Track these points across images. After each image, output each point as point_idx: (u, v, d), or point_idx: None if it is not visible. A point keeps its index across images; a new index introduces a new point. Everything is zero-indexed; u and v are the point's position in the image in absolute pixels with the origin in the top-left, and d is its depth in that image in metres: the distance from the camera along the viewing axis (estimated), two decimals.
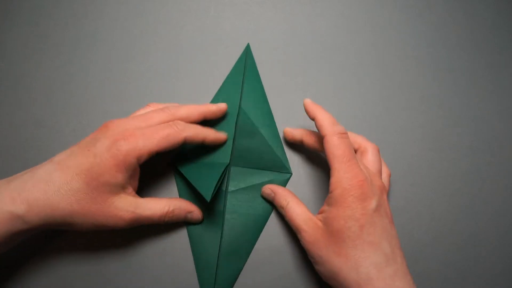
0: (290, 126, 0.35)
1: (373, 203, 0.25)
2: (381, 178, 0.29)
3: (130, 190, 0.28)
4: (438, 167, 0.35)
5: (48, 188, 0.25)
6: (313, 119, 0.29)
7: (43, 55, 0.38)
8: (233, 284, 0.31)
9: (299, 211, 0.29)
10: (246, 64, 0.37)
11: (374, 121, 0.36)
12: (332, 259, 0.25)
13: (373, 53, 0.39)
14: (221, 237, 0.31)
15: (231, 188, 0.33)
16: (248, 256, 0.31)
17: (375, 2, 0.41)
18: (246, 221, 0.32)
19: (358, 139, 0.31)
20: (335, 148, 0.26)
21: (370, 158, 0.30)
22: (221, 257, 0.31)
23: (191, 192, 0.32)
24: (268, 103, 0.36)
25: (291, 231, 0.32)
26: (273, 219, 0.33)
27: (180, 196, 0.33)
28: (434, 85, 0.38)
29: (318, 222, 0.27)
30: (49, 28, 0.39)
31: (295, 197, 0.30)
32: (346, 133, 0.27)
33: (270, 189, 0.32)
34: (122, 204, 0.27)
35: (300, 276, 0.31)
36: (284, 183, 0.33)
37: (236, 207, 0.32)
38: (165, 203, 0.29)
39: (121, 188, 0.27)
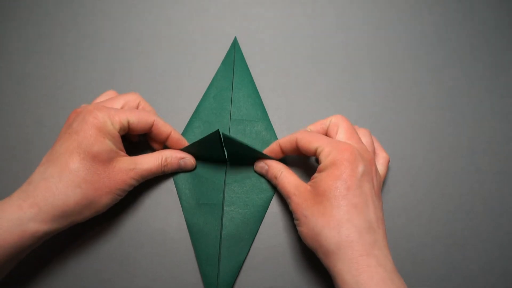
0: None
1: (360, 167, 0.26)
2: (372, 154, 0.29)
3: (123, 153, 0.30)
4: (438, 167, 0.35)
5: (50, 184, 0.26)
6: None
7: (43, 55, 0.38)
8: (236, 276, 0.31)
9: (291, 179, 0.29)
10: (234, 58, 0.37)
11: (374, 121, 0.36)
12: (316, 217, 0.25)
13: (373, 53, 0.39)
14: (221, 230, 0.31)
15: (228, 180, 0.33)
16: (249, 248, 0.32)
17: (375, 1, 0.41)
18: (244, 212, 0.32)
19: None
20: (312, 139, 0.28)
21: (362, 139, 0.30)
22: (223, 249, 0.31)
23: (191, 191, 0.33)
24: (259, 95, 0.36)
25: (291, 231, 0.32)
26: (272, 219, 0.33)
27: (180, 194, 0.33)
28: (434, 85, 0.38)
29: (308, 187, 0.28)
30: (49, 28, 0.39)
31: (287, 168, 0.31)
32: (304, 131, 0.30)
33: (263, 162, 0.32)
34: (122, 165, 0.29)
35: (300, 276, 0.31)
36: None
37: (234, 199, 0.33)
38: (158, 154, 0.31)
39: (114, 152, 0.28)
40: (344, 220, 0.24)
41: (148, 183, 0.33)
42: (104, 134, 0.27)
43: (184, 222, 0.32)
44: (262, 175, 0.33)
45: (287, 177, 0.30)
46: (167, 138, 0.32)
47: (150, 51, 0.38)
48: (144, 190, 0.33)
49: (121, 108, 0.30)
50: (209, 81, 0.37)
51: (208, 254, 0.31)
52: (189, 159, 0.33)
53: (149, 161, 0.30)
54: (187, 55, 0.38)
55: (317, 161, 0.29)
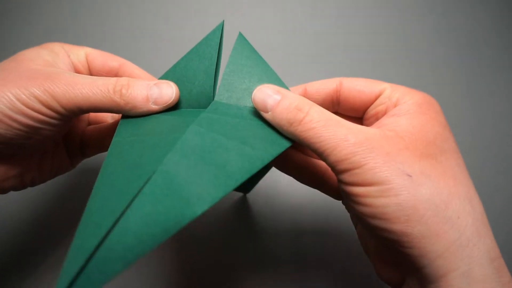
0: None
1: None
2: None
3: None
4: None
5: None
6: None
7: None
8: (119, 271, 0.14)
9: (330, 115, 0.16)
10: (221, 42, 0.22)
11: None
12: (432, 178, 0.15)
13: (373, 52, 0.39)
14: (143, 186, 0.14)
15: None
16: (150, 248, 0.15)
17: (375, 1, 0.41)
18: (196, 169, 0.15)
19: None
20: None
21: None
22: (123, 222, 0.14)
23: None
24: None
25: (291, 231, 0.32)
26: (273, 219, 0.33)
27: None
28: (434, 85, 0.38)
29: (381, 132, 0.16)
30: (49, 28, 0.39)
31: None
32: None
33: (272, 89, 0.18)
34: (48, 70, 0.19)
35: (300, 275, 0.31)
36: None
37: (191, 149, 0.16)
38: (110, 78, 0.19)
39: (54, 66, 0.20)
40: (471, 188, 0.16)
41: None
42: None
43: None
44: (264, 117, 0.18)
45: (318, 116, 0.16)
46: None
47: (150, 51, 0.38)
48: None
49: None
50: None
51: (101, 216, 0.14)
52: (166, 87, 0.19)
53: (94, 85, 0.18)
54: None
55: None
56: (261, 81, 0.20)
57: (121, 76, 0.21)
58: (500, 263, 0.15)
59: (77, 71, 0.21)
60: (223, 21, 0.21)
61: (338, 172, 0.16)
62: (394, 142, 0.15)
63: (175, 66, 0.21)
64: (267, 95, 0.18)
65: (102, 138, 0.23)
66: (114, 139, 0.17)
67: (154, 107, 0.19)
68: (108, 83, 0.18)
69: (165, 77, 0.21)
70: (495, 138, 0.36)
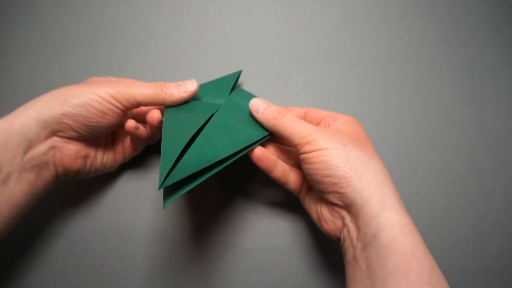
0: None
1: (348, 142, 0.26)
2: None
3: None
4: (438, 167, 0.35)
5: (45, 96, 0.28)
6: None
7: (43, 55, 0.38)
8: (193, 172, 0.25)
9: (299, 121, 0.27)
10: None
11: (374, 121, 0.36)
12: (357, 147, 0.25)
13: (373, 52, 0.39)
14: (204, 124, 0.27)
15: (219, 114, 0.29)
16: (217, 159, 0.26)
17: (375, 1, 0.41)
18: (234, 124, 0.28)
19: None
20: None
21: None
22: (199, 139, 0.25)
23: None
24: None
25: (291, 231, 0.32)
26: (272, 219, 0.33)
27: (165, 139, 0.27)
28: (434, 85, 0.38)
29: (326, 128, 0.28)
30: (49, 28, 0.39)
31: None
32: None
33: (263, 101, 0.29)
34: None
35: (300, 275, 0.31)
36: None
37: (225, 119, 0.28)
38: (152, 83, 0.30)
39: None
40: (381, 163, 0.25)
41: (148, 182, 0.33)
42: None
43: (184, 222, 0.32)
44: (255, 117, 0.28)
45: (291, 117, 0.27)
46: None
47: (149, 52, 0.38)
48: (144, 190, 0.33)
49: None
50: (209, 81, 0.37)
51: (177, 138, 0.26)
52: (191, 82, 0.29)
53: (143, 85, 0.29)
54: (187, 55, 0.38)
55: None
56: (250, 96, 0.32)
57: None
58: (397, 195, 0.24)
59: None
60: (241, 70, 0.35)
61: (299, 147, 0.25)
62: (334, 131, 0.26)
63: (203, 85, 0.33)
64: (260, 102, 0.29)
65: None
66: (166, 115, 0.28)
67: (184, 95, 0.29)
68: (152, 84, 0.29)
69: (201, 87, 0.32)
70: (496, 138, 0.36)
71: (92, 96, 0.27)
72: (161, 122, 0.29)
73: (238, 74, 0.35)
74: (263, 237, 0.33)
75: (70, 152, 0.28)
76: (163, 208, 0.23)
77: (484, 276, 0.32)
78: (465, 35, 0.40)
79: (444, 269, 0.32)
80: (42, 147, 0.27)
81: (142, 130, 0.30)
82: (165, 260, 0.32)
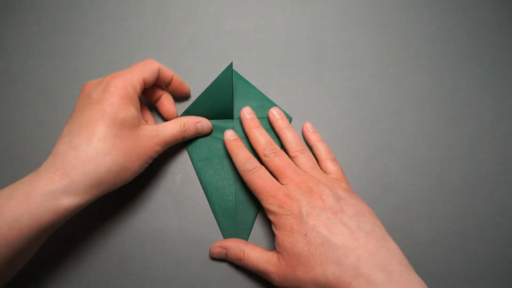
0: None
1: (302, 210, 0.26)
2: (309, 177, 0.28)
3: (143, 121, 0.30)
4: (438, 167, 0.35)
5: (79, 152, 0.25)
6: None
7: (43, 55, 0.38)
8: (252, 225, 0.33)
9: (258, 255, 0.28)
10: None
11: (374, 121, 0.36)
12: (306, 279, 0.24)
13: (373, 53, 0.39)
14: (235, 183, 0.33)
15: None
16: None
17: (375, 1, 0.41)
18: None
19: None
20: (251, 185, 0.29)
21: (299, 161, 0.31)
22: (237, 202, 0.33)
23: (202, 151, 0.34)
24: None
25: None
26: None
27: (192, 154, 0.34)
28: (434, 85, 0.38)
29: (277, 255, 0.27)
30: (49, 28, 0.39)
31: (247, 243, 0.30)
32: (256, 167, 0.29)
33: (219, 247, 0.31)
34: (146, 132, 0.29)
35: None
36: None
37: None
38: (176, 121, 0.32)
39: (138, 119, 0.28)
40: (324, 261, 0.24)
41: (148, 182, 0.33)
42: (127, 101, 0.27)
43: (184, 222, 0.32)
44: (223, 259, 0.31)
45: (253, 255, 0.28)
46: (170, 81, 0.33)
47: (150, 51, 0.38)
48: (144, 190, 0.33)
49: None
50: (209, 81, 0.36)
51: (224, 207, 0.33)
52: (205, 122, 0.33)
53: (169, 127, 0.31)
54: (187, 55, 0.38)
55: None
56: (248, 97, 0.36)
57: (160, 78, 0.32)
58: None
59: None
60: (232, 62, 0.33)
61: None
62: (284, 266, 0.26)
63: (201, 96, 0.34)
64: (218, 253, 0.31)
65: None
66: (194, 157, 0.34)
67: (200, 134, 0.34)
68: (177, 123, 0.32)
69: (195, 103, 0.35)
70: (496, 138, 0.36)
71: (135, 81, 0.29)
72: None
73: (231, 69, 0.33)
74: (263, 237, 0.33)
75: None
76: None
77: (484, 276, 0.32)
78: (464, 35, 0.40)
79: (444, 269, 0.32)
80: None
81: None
82: (163, 259, 0.32)
